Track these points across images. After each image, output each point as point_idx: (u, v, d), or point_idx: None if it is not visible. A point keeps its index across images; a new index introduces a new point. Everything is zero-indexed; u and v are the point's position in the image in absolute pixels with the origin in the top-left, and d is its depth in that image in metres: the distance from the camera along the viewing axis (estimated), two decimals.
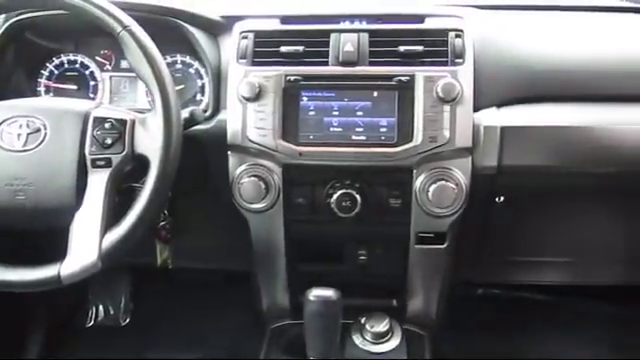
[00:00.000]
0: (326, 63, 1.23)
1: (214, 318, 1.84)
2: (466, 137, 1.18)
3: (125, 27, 1.05)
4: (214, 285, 1.84)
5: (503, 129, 1.19)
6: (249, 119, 1.21)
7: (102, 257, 1.01)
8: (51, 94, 1.41)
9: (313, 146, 1.21)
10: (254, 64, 1.24)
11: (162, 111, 1.04)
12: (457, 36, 1.24)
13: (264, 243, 1.33)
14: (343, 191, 1.22)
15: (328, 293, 1.14)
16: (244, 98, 1.21)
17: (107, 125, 1.07)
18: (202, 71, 1.36)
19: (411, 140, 1.18)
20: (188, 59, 1.37)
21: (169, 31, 1.29)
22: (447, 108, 1.18)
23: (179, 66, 1.37)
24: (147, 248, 1.38)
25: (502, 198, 1.31)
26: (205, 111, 1.27)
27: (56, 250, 1.02)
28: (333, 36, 1.25)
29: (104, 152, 1.05)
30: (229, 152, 1.25)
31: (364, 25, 1.29)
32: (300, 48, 1.23)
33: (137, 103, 1.40)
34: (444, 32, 1.24)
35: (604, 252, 1.55)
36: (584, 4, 1.46)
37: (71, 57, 1.42)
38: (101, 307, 1.91)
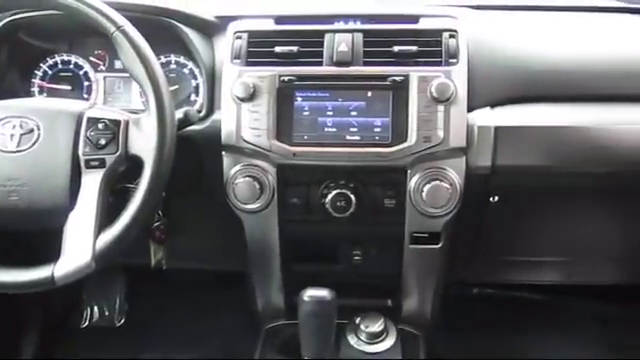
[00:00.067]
0: (320, 63, 1.23)
1: (209, 318, 1.84)
2: (460, 137, 1.19)
3: (119, 27, 1.05)
4: (209, 285, 1.84)
5: (497, 129, 1.19)
6: (243, 119, 1.21)
7: (96, 258, 1.01)
8: (45, 94, 1.41)
9: (307, 146, 1.21)
10: (248, 64, 1.24)
11: (156, 111, 1.03)
12: (451, 36, 1.24)
13: (259, 243, 1.33)
14: (337, 191, 1.22)
15: (322, 293, 1.14)
16: (238, 98, 1.21)
17: (101, 126, 1.06)
18: (196, 71, 1.36)
19: (405, 140, 1.19)
20: (182, 59, 1.37)
21: (163, 31, 1.28)
22: (441, 108, 1.18)
23: (173, 66, 1.37)
24: (141, 249, 1.37)
25: (496, 198, 1.31)
26: (199, 111, 1.27)
27: (50, 251, 1.02)
28: (327, 36, 1.25)
29: (98, 153, 1.05)
30: (223, 152, 1.25)
31: (358, 25, 1.29)
32: (294, 48, 1.23)
33: (131, 103, 1.39)
34: (438, 32, 1.24)
35: (599, 252, 1.56)
36: (578, 4, 1.46)
37: (65, 57, 1.41)
38: (96, 308, 1.90)
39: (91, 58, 1.41)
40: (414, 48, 1.22)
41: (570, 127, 1.20)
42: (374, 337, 1.30)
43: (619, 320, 1.79)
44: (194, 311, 1.87)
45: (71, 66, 1.41)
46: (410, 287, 1.39)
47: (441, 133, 1.18)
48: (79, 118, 1.07)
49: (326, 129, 1.21)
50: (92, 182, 1.04)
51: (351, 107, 1.21)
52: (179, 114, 1.15)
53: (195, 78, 1.37)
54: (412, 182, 1.22)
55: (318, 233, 1.32)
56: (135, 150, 1.05)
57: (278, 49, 1.24)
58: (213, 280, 1.83)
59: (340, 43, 1.23)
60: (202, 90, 1.34)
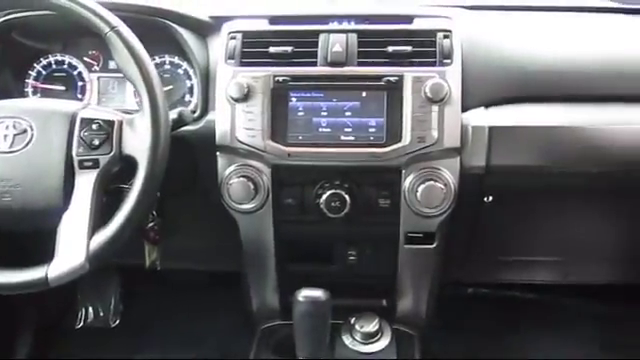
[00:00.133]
0: (315, 64, 1.23)
1: (204, 319, 1.83)
2: (454, 137, 1.19)
3: (112, 28, 1.05)
4: (204, 286, 1.84)
5: (491, 129, 1.19)
6: (238, 120, 1.21)
7: (90, 259, 1.00)
8: (38, 95, 1.41)
9: (302, 147, 1.21)
10: (242, 64, 1.24)
11: (150, 112, 1.03)
12: (445, 37, 1.24)
13: (253, 244, 1.33)
14: (332, 191, 1.22)
15: (317, 293, 1.14)
16: (233, 99, 1.21)
17: (94, 126, 1.06)
18: (191, 72, 1.36)
19: (400, 140, 1.19)
20: (176, 60, 1.37)
21: (157, 31, 1.28)
22: (435, 108, 1.18)
23: (167, 67, 1.37)
24: (136, 249, 1.37)
25: (491, 198, 1.31)
26: (194, 112, 1.27)
27: (43, 252, 1.02)
28: (322, 36, 1.25)
29: (91, 153, 1.05)
30: (218, 153, 1.25)
31: (353, 26, 1.29)
32: (289, 49, 1.23)
33: (125, 104, 1.39)
34: (432, 33, 1.25)
35: (593, 251, 1.56)
36: (572, 5, 1.47)
37: (59, 58, 1.41)
38: (90, 308, 1.90)
39: (85, 58, 1.41)
40: (408, 48, 1.22)
41: (564, 127, 1.21)
42: (369, 337, 1.30)
43: (613, 319, 1.79)
44: (189, 311, 1.87)
45: (65, 66, 1.41)
46: (405, 287, 1.39)
47: (435, 133, 1.18)
48: (72, 118, 1.07)
49: (321, 129, 1.21)
50: (86, 183, 1.04)
51: (345, 107, 1.21)
52: (173, 114, 1.15)
53: (189, 78, 1.36)
54: (406, 182, 1.22)
55: (313, 233, 1.32)
56: (129, 150, 1.05)
57: (272, 49, 1.24)
58: (208, 280, 1.82)
59: (334, 43, 1.23)
60: (196, 90, 1.34)
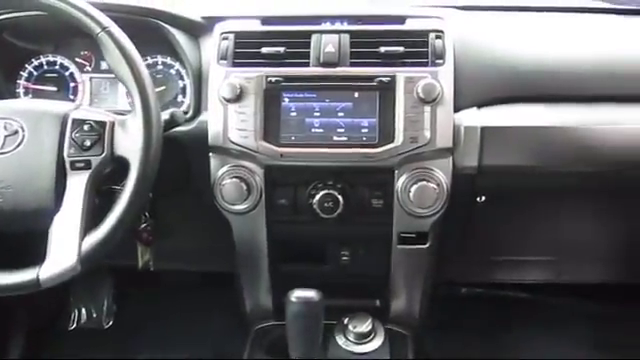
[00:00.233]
0: (307, 64, 1.23)
1: (198, 320, 1.83)
2: (447, 137, 1.19)
3: (104, 28, 1.04)
4: (197, 287, 1.84)
5: (483, 129, 1.20)
6: (230, 120, 1.21)
7: (81, 260, 1.00)
8: (30, 96, 1.40)
9: (294, 147, 1.21)
10: (235, 65, 1.24)
11: (142, 113, 1.03)
12: (437, 37, 1.24)
13: (247, 244, 1.33)
14: (325, 192, 1.22)
15: (309, 294, 1.14)
16: (225, 99, 1.21)
17: (86, 127, 1.06)
18: (183, 72, 1.35)
19: (392, 141, 1.19)
20: (169, 60, 1.36)
21: (149, 32, 1.28)
22: (428, 109, 1.18)
23: (160, 67, 1.37)
24: (128, 250, 1.37)
25: (483, 198, 1.31)
26: (186, 112, 1.27)
27: (35, 253, 1.01)
28: (314, 37, 1.25)
29: (83, 154, 1.05)
30: (210, 153, 1.24)
31: (345, 26, 1.29)
32: (281, 49, 1.23)
33: (118, 105, 1.39)
34: (424, 33, 1.25)
35: (586, 251, 1.57)
36: (563, 5, 1.47)
37: (50, 58, 1.40)
38: (83, 310, 1.89)
39: (77, 59, 1.40)
40: (401, 49, 1.22)
41: (556, 127, 1.21)
42: (362, 337, 1.30)
43: (606, 319, 1.79)
44: (183, 312, 1.87)
45: (57, 67, 1.40)
46: (398, 287, 1.39)
47: (428, 133, 1.18)
48: (64, 119, 1.07)
49: (313, 130, 1.21)
50: (77, 184, 1.04)
51: (338, 108, 1.21)
52: (165, 115, 1.15)
53: (182, 79, 1.36)
54: (399, 182, 1.22)
55: (306, 234, 1.32)
56: (121, 151, 1.05)
57: (265, 50, 1.23)
58: (201, 281, 1.82)
59: (327, 44, 1.23)
60: (189, 91, 1.33)
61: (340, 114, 1.21)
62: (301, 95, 1.21)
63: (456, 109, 1.20)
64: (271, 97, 1.21)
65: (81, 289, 1.88)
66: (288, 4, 1.41)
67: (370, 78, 1.20)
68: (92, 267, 1.02)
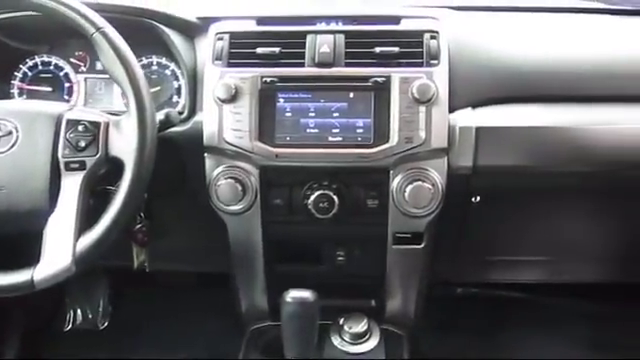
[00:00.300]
0: (302, 64, 1.23)
1: (193, 320, 1.83)
2: (442, 138, 1.19)
3: (99, 29, 1.04)
4: (193, 287, 1.84)
5: (478, 129, 1.20)
6: (225, 121, 1.21)
7: (76, 261, 1.00)
8: (25, 96, 1.39)
9: (290, 147, 1.21)
10: (230, 65, 1.24)
11: (136, 113, 1.03)
12: (432, 37, 1.24)
13: (242, 245, 1.33)
14: (320, 192, 1.22)
15: (305, 294, 1.14)
16: (220, 100, 1.21)
17: (80, 128, 1.06)
18: (178, 73, 1.35)
19: (387, 141, 1.19)
20: (164, 61, 1.36)
21: (144, 32, 1.28)
22: (423, 109, 1.18)
23: (155, 68, 1.36)
24: (124, 251, 1.36)
25: (478, 198, 1.31)
26: (181, 113, 1.27)
27: (29, 254, 1.01)
28: (309, 37, 1.25)
29: (78, 155, 1.05)
30: (205, 154, 1.24)
31: (340, 26, 1.29)
32: (276, 49, 1.23)
33: (113, 105, 1.38)
34: (419, 33, 1.25)
35: (581, 250, 1.57)
36: (557, 6, 1.47)
37: (45, 59, 1.40)
38: (79, 311, 1.89)
39: (72, 59, 1.40)
40: (396, 49, 1.22)
41: (551, 127, 1.21)
42: (358, 337, 1.30)
43: (603, 318, 1.80)
44: (178, 313, 1.87)
45: (51, 67, 1.40)
46: (394, 287, 1.39)
47: (423, 134, 1.18)
48: (58, 120, 1.06)
49: (308, 130, 1.21)
50: (72, 185, 1.04)
51: (333, 108, 1.21)
52: (160, 115, 1.15)
53: (177, 79, 1.36)
54: (394, 183, 1.22)
55: (301, 234, 1.32)
56: (115, 152, 1.05)
57: (260, 50, 1.23)
58: (197, 282, 1.82)
59: (322, 44, 1.23)
60: (184, 91, 1.33)
61: (335, 114, 1.21)
62: (296, 95, 1.21)
63: (451, 109, 1.20)
64: (266, 97, 1.21)
65: (76, 290, 1.88)
66: (283, 4, 1.41)
67: (365, 78, 1.20)
68: (87, 268, 1.02)
